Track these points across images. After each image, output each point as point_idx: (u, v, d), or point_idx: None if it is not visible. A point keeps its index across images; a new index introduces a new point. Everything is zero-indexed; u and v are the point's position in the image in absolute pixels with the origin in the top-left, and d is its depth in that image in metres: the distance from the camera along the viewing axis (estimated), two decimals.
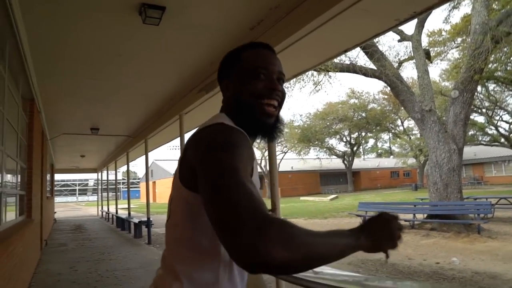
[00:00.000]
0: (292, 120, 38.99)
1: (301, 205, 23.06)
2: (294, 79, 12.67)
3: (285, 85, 1.09)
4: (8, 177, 4.44)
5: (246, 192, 0.70)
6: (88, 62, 4.59)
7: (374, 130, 41.04)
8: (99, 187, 23.69)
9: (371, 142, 55.87)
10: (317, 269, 1.36)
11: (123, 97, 6.26)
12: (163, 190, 40.37)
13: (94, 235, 11.62)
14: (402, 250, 7.28)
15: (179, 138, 6.40)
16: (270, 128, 0.99)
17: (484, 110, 31.29)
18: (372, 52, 10.07)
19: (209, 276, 0.87)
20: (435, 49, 15.93)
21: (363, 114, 36.79)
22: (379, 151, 62.59)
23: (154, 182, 46.01)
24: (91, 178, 58.85)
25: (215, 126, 0.88)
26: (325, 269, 1.40)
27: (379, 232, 0.80)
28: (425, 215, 10.38)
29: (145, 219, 9.65)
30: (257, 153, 39.47)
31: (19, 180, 5.29)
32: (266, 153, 39.21)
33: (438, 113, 10.42)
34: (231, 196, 0.69)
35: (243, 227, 0.64)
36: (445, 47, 16.02)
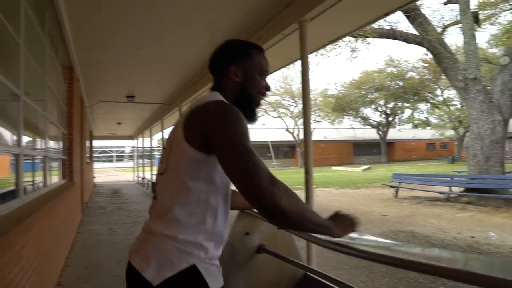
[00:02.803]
0: (327, 89, 38.22)
1: (333, 175, 22.92)
2: (331, 45, 12.28)
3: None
4: (51, 143, 4.64)
5: (259, 159, 0.96)
6: (124, 31, 4.61)
7: (411, 100, 39.52)
8: (135, 153, 24.48)
9: (408, 112, 53.99)
10: (354, 235, 1.36)
11: (158, 65, 6.30)
12: None
13: (130, 199, 12.14)
14: (436, 223, 7.13)
15: None
16: (255, 115, 1.26)
17: None
18: (414, 16, 9.48)
19: (198, 219, 1.08)
20: (485, 11, 14.75)
21: (401, 83, 35.36)
22: (416, 121, 60.49)
23: None
24: (127, 145, 60.93)
25: (222, 102, 1.10)
26: (364, 236, 1.37)
27: (341, 222, 1.16)
28: (462, 189, 10.03)
29: None
30: (290, 122, 39.29)
31: (61, 145, 5.53)
32: (299, 122, 39.00)
33: (483, 82, 9.80)
34: (252, 157, 0.95)
35: (262, 179, 0.91)
36: (497, 9, 14.79)
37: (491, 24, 17.43)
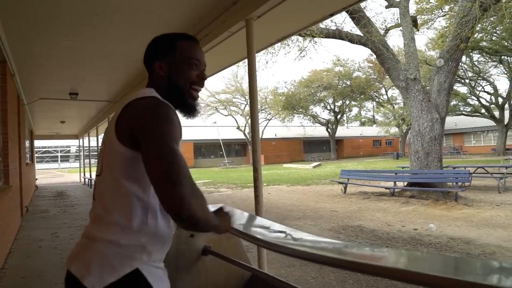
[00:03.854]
0: (277, 87, 38.79)
1: (284, 172, 23.31)
2: (279, 44, 12.42)
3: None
4: None
5: (183, 159, 0.95)
6: (64, 22, 4.33)
7: (358, 99, 41.18)
8: (81, 153, 23.34)
9: (355, 110, 56.30)
10: (296, 236, 1.38)
11: (102, 60, 6.01)
12: None
13: (76, 201, 11.54)
14: (382, 217, 7.47)
15: None
16: (192, 109, 1.23)
17: (467, 81, 31.67)
18: (359, 17, 9.86)
19: (138, 221, 1.03)
20: (423, 16, 15.75)
21: (348, 82, 36.73)
22: (363, 119, 63.27)
23: None
24: (73, 144, 58.01)
25: (153, 99, 1.07)
26: (305, 236, 1.39)
27: (222, 221, 1.17)
28: (405, 183, 10.61)
29: None
30: (241, 120, 39.37)
31: None
32: (250, 120, 38.98)
33: (422, 82, 10.41)
34: (175, 159, 0.93)
35: (183, 188, 0.90)
36: (433, 15, 15.85)
37: (428, 28, 18.64)
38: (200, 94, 1.27)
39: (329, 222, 7.09)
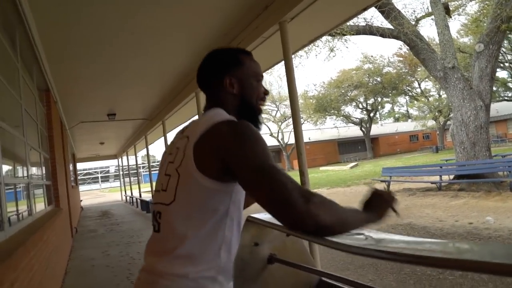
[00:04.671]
0: (306, 90, 38.48)
1: (322, 175, 22.97)
2: (310, 46, 12.31)
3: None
4: (33, 169, 4.44)
5: (286, 174, 0.88)
6: (98, 44, 4.45)
7: (390, 94, 40.14)
8: (121, 172, 24.05)
9: (388, 107, 54.89)
10: (377, 236, 1.27)
11: (137, 78, 6.14)
12: None
13: (121, 219, 11.84)
14: (432, 213, 7.13)
15: (196, 117, 6.25)
16: (260, 123, 1.18)
17: (506, 64, 30.12)
18: (388, 10, 9.58)
19: (211, 255, 0.96)
20: (453, 3, 15.13)
21: (378, 79, 35.90)
22: (397, 115, 61.52)
23: None
24: (111, 164, 60.01)
25: (233, 121, 1.01)
26: (386, 236, 1.29)
27: (379, 205, 1.01)
28: (452, 176, 10.13)
29: None
30: (274, 127, 39.35)
31: (44, 171, 5.31)
32: (283, 126, 39.11)
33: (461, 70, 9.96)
34: (279, 177, 0.86)
35: (296, 199, 0.82)
36: (463, 0, 15.19)
37: (459, 14, 17.89)
38: None
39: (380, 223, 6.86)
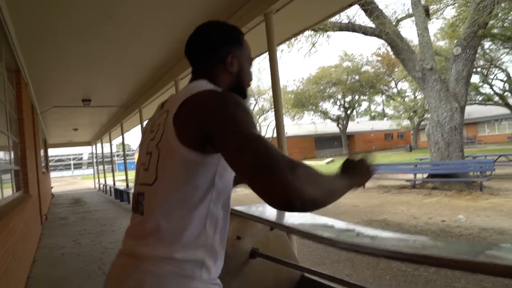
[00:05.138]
0: (285, 85, 38.52)
1: None
2: (293, 40, 12.28)
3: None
4: (0, 154, 4.22)
5: (269, 142, 0.77)
6: (76, 26, 4.25)
7: (367, 93, 40.70)
8: (94, 160, 23.45)
9: (365, 105, 55.82)
10: (368, 232, 1.27)
11: (114, 64, 5.94)
12: None
13: (93, 207, 11.54)
14: (406, 210, 7.28)
15: None
16: None
17: (478, 69, 31.07)
18: (371, 9, 9.67)
19: (195, 231, 0.89)
20: (432, 6, 15.40)
21: (357, 77, 36.33)
22: (373, 113, 62.69)
23: None
24: (85, 152, 58.61)
25: (216, 90, 0.94)
26: (376, 232, 1.29)
27: (357, 171, 0.96)
28: (426, 175, 10.38)
29: None
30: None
31: (12, 155, 5.06)
32: (260, 119, 39.11)
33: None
34: (262, 143, 0.76)
35: (283, 167, 0.71)
36: (441, 4, 15.48)
37: (437, 18, 18.27)
38: None
39: (353, 217, 6.94)
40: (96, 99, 8.64)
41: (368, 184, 11.55)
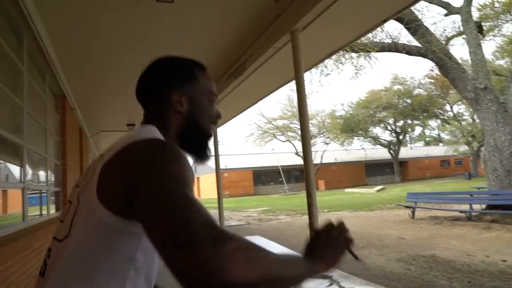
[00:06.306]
0: (334, 110, 38.07)
1: (346, 197, 22.31)
2: (331, 62, 12.03)
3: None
4: (37, 174, 4.39)
5: (201, 209, 0.61)
6: (112, 54, 4.43)
7: (421, 117, 39.03)
8: None
9: (418, 129, 53.34)
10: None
11: None
12: (207, 185, 40.83)
13: None
14: (459, 245, 6.59)
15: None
16: (208, 151, 1.00)
17: None
18: (415, 27, 9.24)
19: None
20: (487, 23, 14.52)
21: (408, 101, 35.03)
22: (427, 139, 59.77)
23: (197, 178, 46.88)
24: None
25: (156, 140, 0.78)
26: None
27: (327, 248, 0.75)
28: (484, 206, 9.45)
29: None
30: (300, 145, 38.99)
31: (53, 177, 5.27)
32: (301, 142, 38.38)
33: (495, 92, 9.41)
34: (188, 208, 0.61)
35: (201, 239, 0.55)
36: (499, 21, 14.54)
37: (494, 35, 17.16)
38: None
39: (397, 252, 6.39)
40: (139, 123, 8.92)
41: (419, 214, 10.76)
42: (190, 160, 0.95)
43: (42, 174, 4.70)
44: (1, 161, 3.27)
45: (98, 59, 4.56)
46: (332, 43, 4.34)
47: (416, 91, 34.94)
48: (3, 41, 2.94)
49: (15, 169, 3.58)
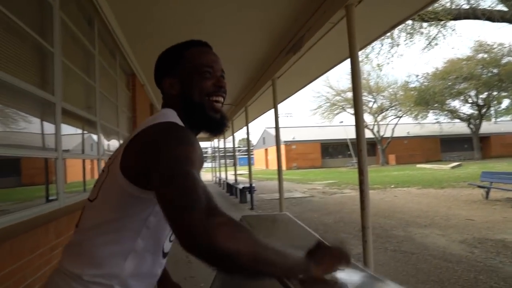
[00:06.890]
0: (407, 81, 35.82)
1: (416, 173, 21.26)
2: (404, 34, 11.28)
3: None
4: (108, 146, 4.86)
5: (201, 183, 0.73)
6: (174, 34, 4.67)
7: (509, 89, 35.11)
8: (217, 154, 25.22)
9: (506, 102, 48.13)
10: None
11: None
12: (275, 157, 41.35)
13: None
14: None
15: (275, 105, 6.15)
16: (218, 124, 1.05)
17: None
18: None
19: (115, 260, 0.89)
20: None
21: (495, 71, 31.59)
22: None
23: (266, 150, 47.68)
24: (209, 146, 63.64)
25: (168, 123, 0.91)
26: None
27: (322, 258, 0.80)
28: None
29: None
30: (370, 118, 37.59)
31: None
32: (379, 118, 37.06)
33: None
34: (189, 182, 0.72)
35: (198, 208, 0.66)
36: None
37: None
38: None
39: (461, 233, 6.07)
40: None
41: (495, 195, 9.94)
42: (206, 134, 1.08)
43: (115, 145, 5.17)
44: (85, 132, 3.71)
45: (161, 42, 4.83)
46: (390, 16, 4.13)
47: (505, 59, 31.32)
48: (75, 29, 3.27)
49: (93, 141, 4.02)
